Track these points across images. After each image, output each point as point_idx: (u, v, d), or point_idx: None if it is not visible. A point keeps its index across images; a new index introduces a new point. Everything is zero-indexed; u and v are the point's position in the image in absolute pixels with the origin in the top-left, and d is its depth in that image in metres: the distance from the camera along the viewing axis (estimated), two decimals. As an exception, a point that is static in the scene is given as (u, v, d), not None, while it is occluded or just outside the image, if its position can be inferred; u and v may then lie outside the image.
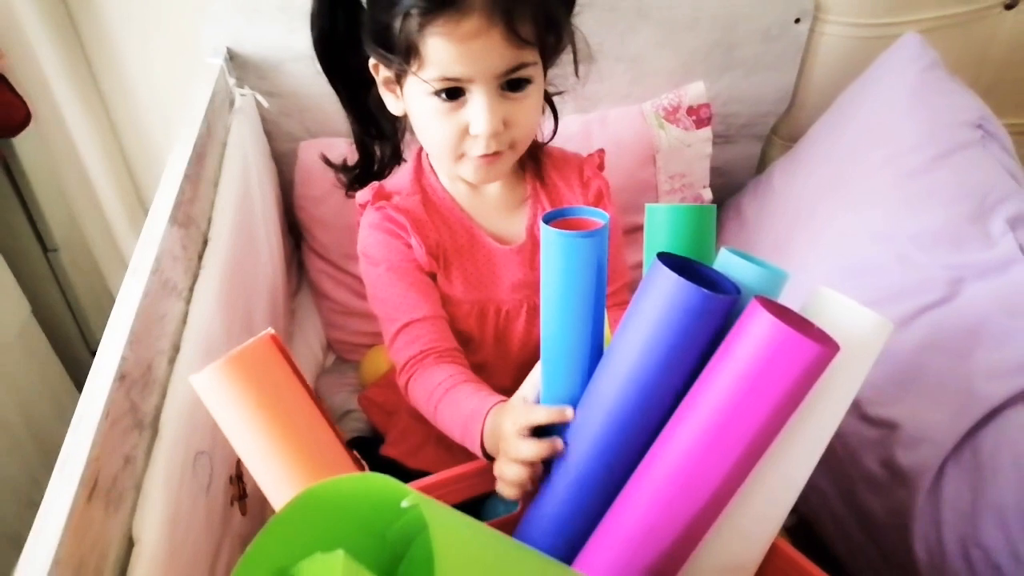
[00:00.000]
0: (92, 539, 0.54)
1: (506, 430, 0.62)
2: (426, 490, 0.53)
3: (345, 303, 1.12)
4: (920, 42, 1.01)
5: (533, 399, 0.65)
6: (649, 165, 1.10)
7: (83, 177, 1.18)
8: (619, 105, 1.12)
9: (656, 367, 0.52)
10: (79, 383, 1.28)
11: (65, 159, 1.16)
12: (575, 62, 0.77)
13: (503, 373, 0.86)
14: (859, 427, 0.77)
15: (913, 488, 0.72)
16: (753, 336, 0.47)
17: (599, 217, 0.58)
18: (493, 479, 0.65)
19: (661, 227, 0.60)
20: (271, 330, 0.56)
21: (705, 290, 0.49)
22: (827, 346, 0.47)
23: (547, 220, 0.57)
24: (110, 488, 0.57)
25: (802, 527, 0.89)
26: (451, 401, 0.74)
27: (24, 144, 1.13)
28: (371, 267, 0.81)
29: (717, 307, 0.51)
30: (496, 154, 0.72)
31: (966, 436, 0.71)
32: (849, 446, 0.78)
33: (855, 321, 0.51)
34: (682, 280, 0.49)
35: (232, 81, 1.00)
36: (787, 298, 0.54)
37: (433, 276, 0.82)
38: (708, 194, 1.16)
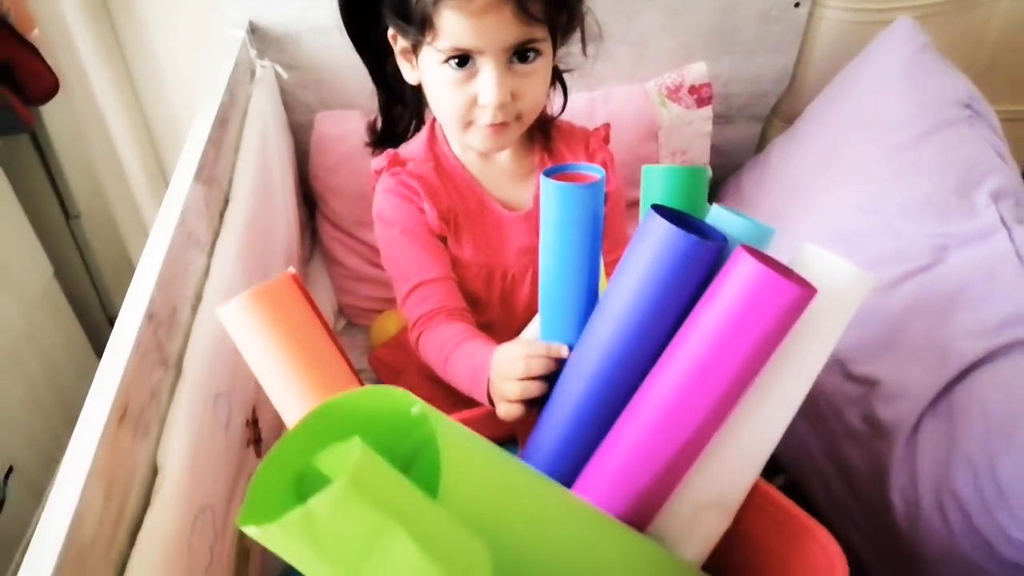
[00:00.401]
0: (122, 459, 0.57)
1: (505, 355, 0.69)
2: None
3: (356, 269, 1.16)
4: (912, 26, 1.05)
5: None
6: (651, 141, 1.14)
7: (108, 146, 1.22)
8: (623, 84, 1.16)
9: (648, 309, 0.55)
10: (96, 346, 1.32)
11: (91, 128, 1.21)
12: (583, 41, 0.80)
13: (508, 333, 0.90)
14: (843, 384, 0.81)
15: (891, 440, 0.76)
16: (736, 278, 0.50)
17: (596, 172, 0.62)
18: (498, 424, 0.70)
19: (657, 187, 0.63)
20: (292, 269, 0.60)
21: (694, 236, 0.52)
22: (805, 289, 0.49)
23: (547, 175, 0.61)
24: (138, 417, 0.61)
25: (790, 487, 0.93)
26: (460, 355, 0.78)
27: (51, 113, 1.17)
28: (385, 229, 0.85)
29: (705, 253, 0.54)
30: (503, 124, 0.76)
31: (943, 391, 0.75)
32: (833, 403, 0.82)
33: (836, 274, 0.54)
34: (673, 227, 0.52)
35: (253, 53, 1.04)
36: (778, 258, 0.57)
37: (444, 240, 0.85)
38: (708, 171, 1.19)
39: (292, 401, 0.58)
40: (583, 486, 0.58)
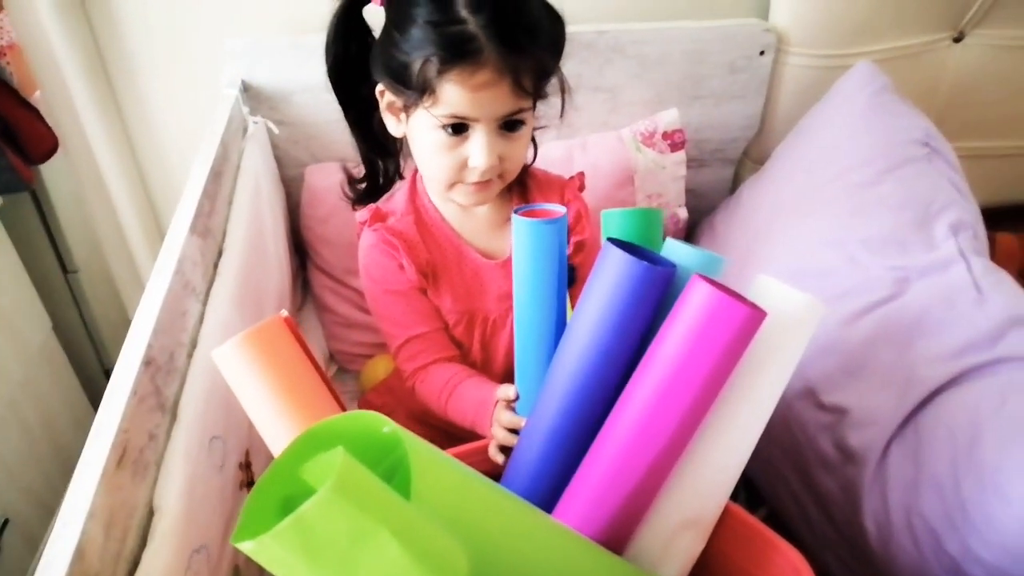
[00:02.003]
0: (121, 500, 0.59)
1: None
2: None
3: (347, 316, 1.19)
4: (872, 69, 1.10)
5: None
6: (628, 186, 1.19)
7: (106, 203, 1.25)
8: (599, 132, 1.21)
9: (607, 333, 0.59)
10: (92, 398, 1.34)
11: (89, 186, 1.24)
12: (562, 104, 0.86)
13: (490, 376, 0.93)
14: (814, 413, 0.84)
15: (862, 466, 0.79)
16: (692, 303, 0.54)
17: (559, 209, 0.68)
18: (485, 460, 0.74)
19: (615, 228, 0.68)
20: (285, 312, 0.64)
21: (645, 263, 0.57)
22: (755, 310, 0.53)
23: (517, 212, 0.66)
24: (136, 459, 0.63)
25: (772, 518, 0.95)
26: (462, 391, 0.84)
27: (51, 171, 1.21)
28: (371, 284, 0.90)
29: (656, 278, 0.58)
30: (488, 182, 0.81)
31: (908, 417, 0.78)
32: (806, 432, 0.85)
33: (788, 301, 0.57)
34: (626, 255, 0.57)
35: (246, 110, 1.09)
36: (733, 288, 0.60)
37: (425, 291, 0.90)
38: (684, 213, 1.24)
39: (283, 437, 0.60)
40: (562, 510, 0.61)
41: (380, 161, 0.93)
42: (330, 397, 0.63)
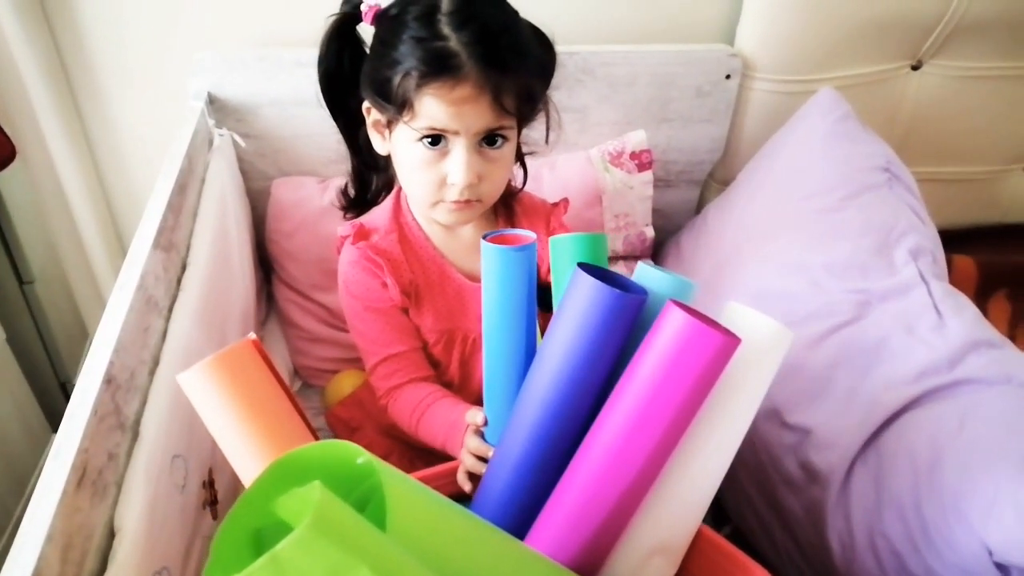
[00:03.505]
0: (79, 523, 0.57)
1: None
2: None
3: (312, 331, 1.18)
4: (834, 96, 1.13)
5: None
6: (596, 205, 1.20)
7: (65, 213, 1.22)
8: (568, 151, 1.22)
9: (578, 360, 0.58)
10: (48, 412, 1.30)
11: (48, 195, 1.21)
12: (547, 129, 0.87)
13: (466, 394, 0.93)
14: (780, 433, 0.86)
15: (826, 486, 0.80)
16: (666, 330, 0.53)
17: (529, 235, 0.68)
18: (452, 483, 0.74)
19: (564, 254, 0.68)
20: (253, 335, 0.63)
21: (617, 290, 0.56)
22: (730, 337, 0.53)
23: (485, 238, 0.66)
24: (96, 480, 0.61)
25: (736, 537, 0.96)
26: (434, 412, 0.84)
27: (7, 179, 1.17)
28: (351, 300, 0.89)
29: (628, 305, 0.58)
30: (467, 202, 0.80)
31: (871, 439, 0.79)
32: (771, 452, 0.86)
33: (759, 328, 0.57)
34: (598, 282, 0.56)
35: (212, 122, 1.07)
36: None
37: (406, 311, 0.89)
38: (650, 232, 1.25)
39: (252, 465, 0.59)
40: (535, 537, 0.60)
41: (370, 175, 0.93)
42: (301, 424, 0.62)
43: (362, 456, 0.43)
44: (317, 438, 0.65)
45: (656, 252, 1.32)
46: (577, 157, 1.21)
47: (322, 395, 1.17)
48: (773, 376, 0.59)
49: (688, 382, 0.54)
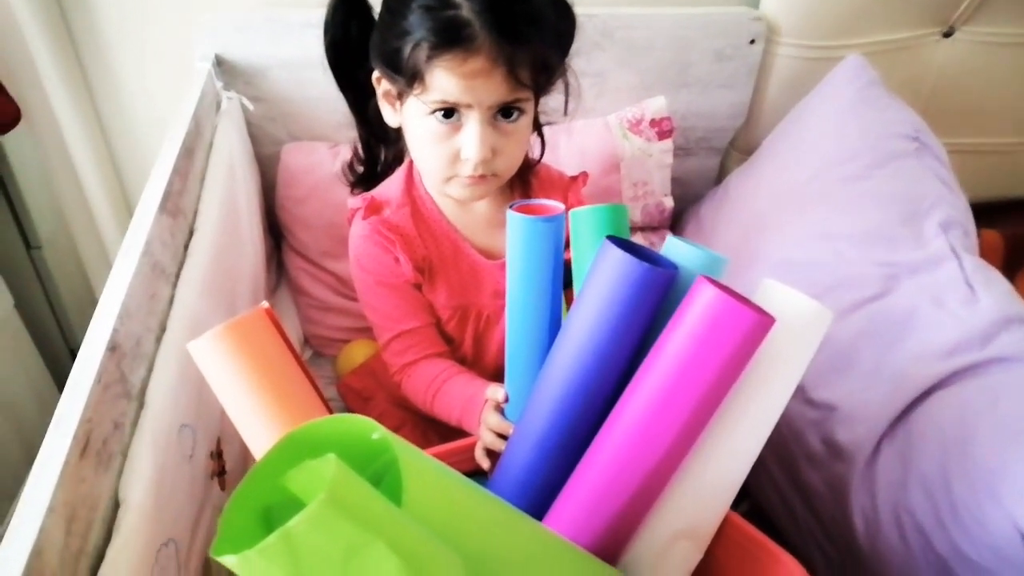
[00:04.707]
0: (83, 494, 0.56)
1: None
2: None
3: (323, 299, 1.16)
4: (862, 63, 1.09)
5: None
6: (614, 173, 1.17)
7: (72, 177, 1.20)
8: (585, 117, 1.19)
9: (605, 337, 0.56)
10: (57, 377, 1.30)
11: (54, 159, 1.19)
12: (566, 100, 0.83)
13: (481, 372, 0.91)
14: (802, 409, 0.83)
15: (851, 463, 0.78)
16: (698, 307, 0.51)
17: (557, 206, 0.65)
18: (468, 460, 0.72)
19: (585, 226, 0.66)
20: (266, 304, 0.60)
21: (647, 264, 0.54)
22: (764, 316, 0.51)
23: (512, 207, 0.63)
24: (100, 449, 0.60)
25: (755, 512, 0.94)
26: (448, 391, 0.82)
27: (13, 143, 1.16)
28: (362, 274, 0.87)
29: (659, 280, 0.55)
30: (482, 177, 0.77)
31: (900, 416, 0.77)
32: (793, 426, 0.84)
33: (796, 307, 0.55)
34: (628, 256, 0.54)
35: (219, 84, 1.05)
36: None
37: (419, 287, 0.87)
38: (669, 202, 1.22)
39: (263, 436, 0.57)
40: (554, 518, 0.58)
41: (379, 147, 0.90)
42: (315, 396, 0.60)
43: (377, 431, 0.41)
44: (331, 411, 0.64)
45: (675, 223, 1.30)
46: (595, 123, 1.18)
47: (333, 365, 1.15)
48: (810, 358, 0.56)
49: (719, 362, 0.51)
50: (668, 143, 1.18)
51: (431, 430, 0.95)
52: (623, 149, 1.16)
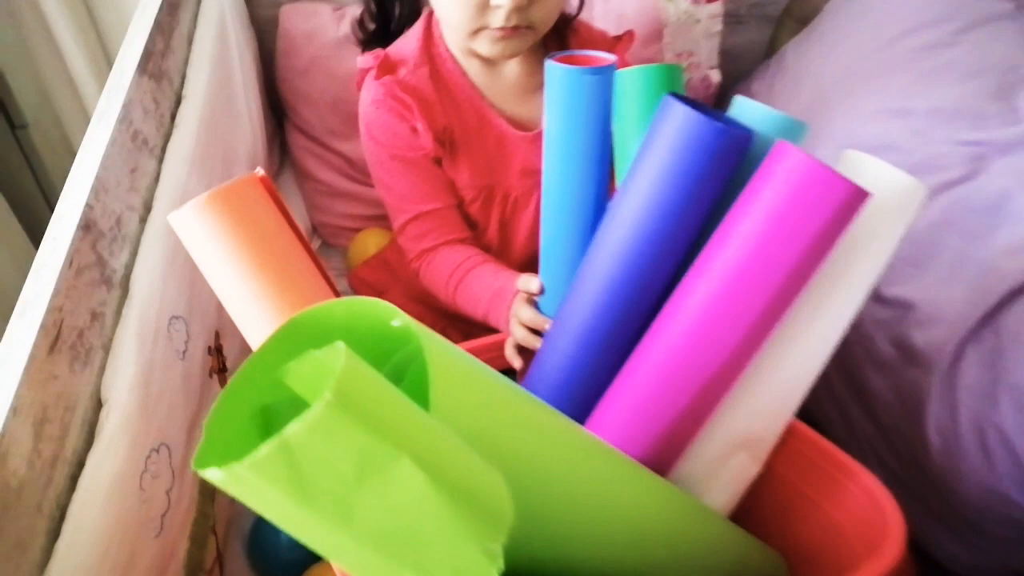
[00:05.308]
0: (56, 392, 0.51)
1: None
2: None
3: (330, 184, 1.07)
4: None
5: None
6: (655, 42, 1.05)
7: (53, 49, 1.12)
8: (624, -24, 1.06)
9: (666, 211, 0.48)
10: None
11: (35, 33, 1.10)
12: None
13: (507, 261, 0.83)
14: (871, 307, 0.75)
15: (927, 370, 0.70)
16: (781, 175, 0.43)
17: (607, 58, 0.56)
18: (498, 357, 0.66)
19: (633, 89, 0.56)
20: (261, 171, 0.51)
21: (720, 124, 0.46)
22: (859, 189, 0.43)
23: (552, 58, 0.54)
24: (75, 342, 0.54)
25: (802, 418, 0.88)
26: (472, 281, 0.75)
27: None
28: (374, 147, 0.78)
29: (732, 143, 0.47)
30: (515, 28, 0.68)
31: (987, 316, 0.69)
32: (860, 327, 0.76)
33: (886, 181, 0.47)
34: (696, 113, 0.46)
35: (207, -68, 0.92)
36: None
37: (438, 161, 0.79)
38: (716, 75, 1.11)
39: (258, 322, 0.49)
40: (595, 422, 0.52)
41: (395, 2, 0.80)
42: (318, 275, 0.52)
43: (398, 318, 0.34)
44: (335, 288, 0.56)
45: (720, 102, 1.18)
46: (634, -19, 1.05)
47: (344, 256, 1.08)
48: (899, 241, 0.49)
49: (804, 241, 0.44)
50: (718, 6, 1.05)
51: (454, 328, 0.88)
52: (666, 12, 1.04)
